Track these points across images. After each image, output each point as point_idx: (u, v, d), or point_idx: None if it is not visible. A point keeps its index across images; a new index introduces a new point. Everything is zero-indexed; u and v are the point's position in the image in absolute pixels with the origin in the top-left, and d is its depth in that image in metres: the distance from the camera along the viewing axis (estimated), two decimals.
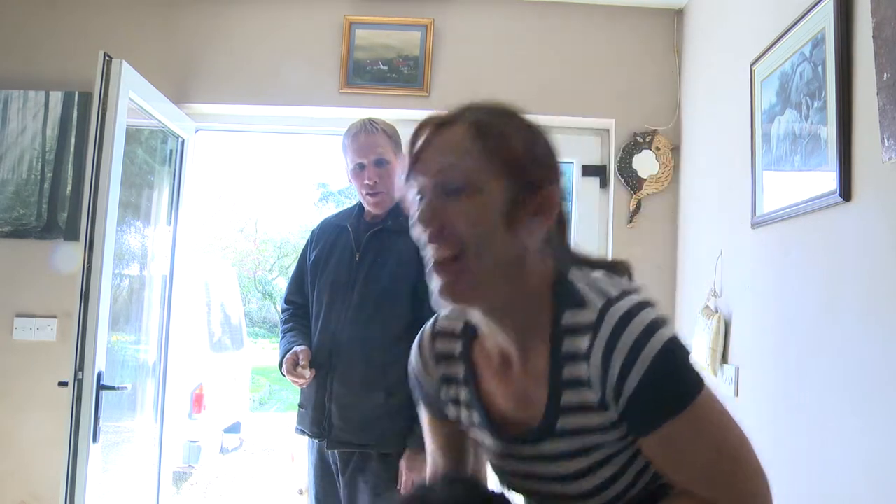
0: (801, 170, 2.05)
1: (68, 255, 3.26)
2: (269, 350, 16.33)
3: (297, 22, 3.45)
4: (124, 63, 2.76)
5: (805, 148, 2.01)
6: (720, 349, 2.52)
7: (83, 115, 3.42)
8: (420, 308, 2.45)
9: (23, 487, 3.36)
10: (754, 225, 2.33)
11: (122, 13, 3.49)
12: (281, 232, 19.43)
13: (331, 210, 17.23)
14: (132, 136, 2.92)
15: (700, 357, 2.60)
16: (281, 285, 19.43)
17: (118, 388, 2.74)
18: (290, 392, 12.27)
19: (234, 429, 7.26)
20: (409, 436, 2.41)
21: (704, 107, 3.02)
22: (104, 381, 2.66)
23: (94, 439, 2.60)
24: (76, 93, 3.44)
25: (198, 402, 5.94)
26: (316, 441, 2.55)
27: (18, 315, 3.38)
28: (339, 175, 18.66)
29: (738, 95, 2.50)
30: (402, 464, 2.42)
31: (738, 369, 2.42)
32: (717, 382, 2.56)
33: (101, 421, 2.64)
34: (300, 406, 2.60)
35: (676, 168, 3.28)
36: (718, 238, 2.70)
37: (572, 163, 3.49)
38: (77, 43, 3.46)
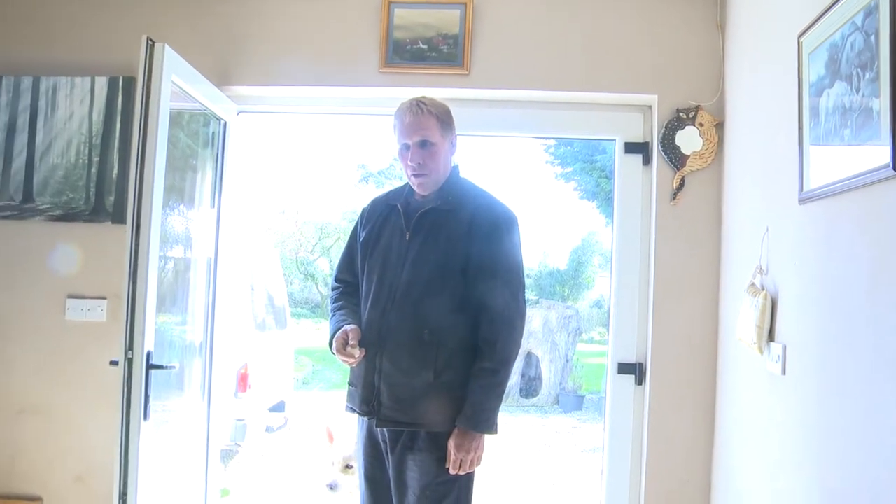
0: (850, 144, 2.01)
1: (116, 238, 3.32)
2: (311, 330, 16.51)
3: (336, 3, 3.45)
4: (167, 47, 2.79)
5: (856, 121, 1.96)
6: (766, 327, 2.48)
7: (128, 100, 3.47)
8: (469, 287, 2.46)
9: (78, 463, 3.45)
10: (802, 200, 2.29)
11: None
12: (322, 213, 19.54)
13: (371, 191, 17.35)
14: (174, 120, 2.95)
15: (746, 335, 2.57)
16: (322, 266, 19.59)
17: (167, 368, 2.79)
18: (334, 371, 12.42)
19: (278, 408, 7.35)
20: (458, 415, 2.42)
21: (749, 81, 2.96)
22: (153, 361, 2.72)
23: (145, 417, 2.66)
24: (120, 77, 3.49)
25: (243, 381, 6.02)
26: (365, 419, 2.57)
27: (70, 296, 3.46)
28: (378, 155, 18.72)
29: (785, 69, 2.45)
30: (451, 442, 2.43)
31: (785, 347, 2.39)
32: (764, 360, 2.53)
33: (150, 399, 2.70)
34: (350, 384, 2.63)
35: (720, 144, 3.23)
36: (764, 214, 2.65)
37: (614, 140, 3.46)
38: (120, 28, 3.50)
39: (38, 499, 3.48)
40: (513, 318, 2.50)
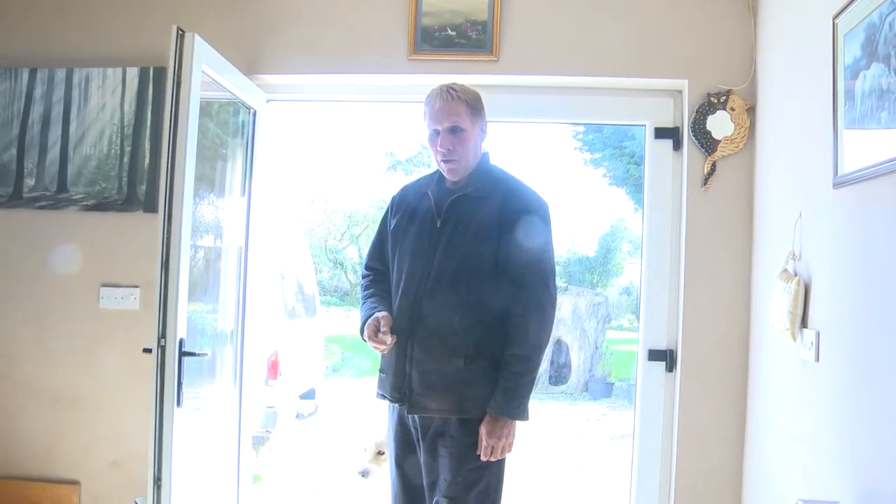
0: (888, 127, 1.97)
1: (148, 227, 3.35)
2: (341, 318, 16.59)
3: None
4: (196, 36, 2.80)
5: (893, 104, 1.93)
6: (799, 313, 2.45)
7: (158, 90, 3.50)
8: (500, 274, 2.46)
9: (114, 449, 3.51)
10: (836, 185, 2.26)
11: None
12: (351, 201, 19.61)
13: (399, 179, 17.37)
14: (204, 109, 2.96)
15: (778, 322, 2.54)
16: (351, 254, 19.67)
17: (199, 355, 2.82)
18: (363, 359, 12.48)
19: (308, 395, 7.40)
20: (489, 401, 2.43)
21: (782, 64, 2.92)
22: (185, 348, 2.75)
23: (178, 403, 2.69)
24: (151, 68, 3.52)
25: (273, 368, 6.07)
26: (396, 406, 2.59)
27: (104, 285, 3.51)
28: (407, 143, 18.73)
29: (819, 51, 2.41)
30: (482, 429, 2.44)
31: (818, 334, 2.36)
32: (797, 347, 2.50)
33: (183, 386, 2.73)
34: (381, 371, 2.64)
35: (752, 129, 3.19)
36: (797, 199, 2.62)
37: (644, 125, 3.43)
38: (151, 18, 3.53)
39: (76, 483, 3.54)
40: (544, 305, 2.49)
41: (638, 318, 3.43)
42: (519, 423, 2.49)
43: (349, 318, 16.51)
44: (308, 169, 20.21)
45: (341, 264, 19.67)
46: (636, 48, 3.31)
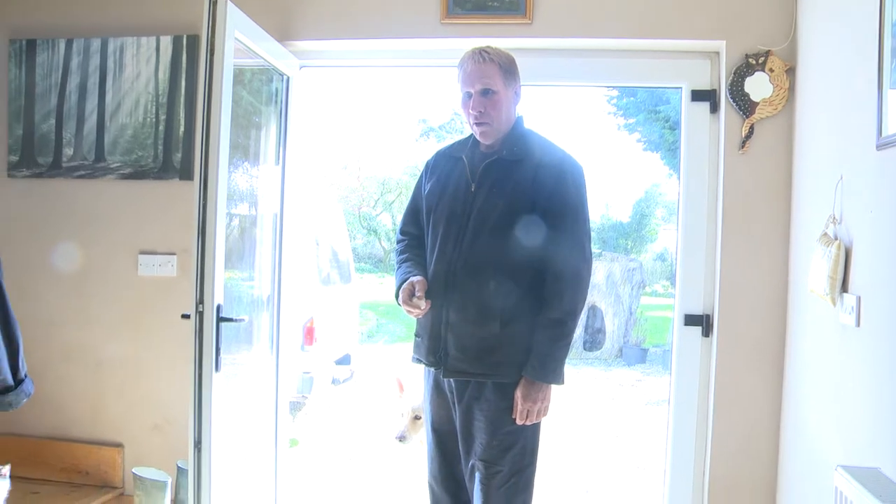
0: None
1: (184, 194, 3.39)
2: (375, 285, 16.68)
3: None
4: (229, 3, 2.79)
5: None
6: (840, 278, 2.42)
7: (192, 58, 3.51)
8: (535, 237, 2.45)
9: (155, 412, 3.59)
10: (880, 146, 2.21)
11: None
12: (384, 168, 19.62)
13: (431, 145, 17.34)
14: (236, 78, 2.96)
15: (818, 286, 2.51)
16: (385, 221, 19.72)
17: (236, 321, 2.85)
18: (398, 325, 12.56)
19: (344, 361, 7.47)
20: (525, 365, 2.43)
21: (824, 22, 2.85)
22: (223, 314, 2.78)
23: (217, 368, 2.73)
24: (184, 36, 3.53)
25: (309, 334, 6.13)
26: (432, 370, 2.60)
27: (142, 252, 3.56)
28: (439, 110, 18.66)
29: (864, 8, 2.35)
30: (518, 393, 2.44)
31: (859, 299, 2.32)
32: (837, 312, 2.47)
33: (221, 352, 2.76)
34: (416, 336, 2.64)
35: (792, 90, 3.12)
36: (839, 162, 2.57)
37: (680, 88, 3.37)
38: None
39: (120, 445, 3.63)
40: (579, 269, 2.48)
41: (673, 283, 3.40)
42: (554, 388, 2.49)
43: (383, 285, 16.61)
44: (341, 136, 20.24)
45: (375, 231, 19.75)
46: (672, 9, 3.24)
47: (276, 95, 3.54)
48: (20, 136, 3.69)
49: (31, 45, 3.67)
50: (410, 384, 3.38)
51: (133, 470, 3.44)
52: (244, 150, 3.38)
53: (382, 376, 8.01)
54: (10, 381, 2.64)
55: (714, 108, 3.27)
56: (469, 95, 2.51)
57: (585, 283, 2.52)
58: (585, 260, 2.51)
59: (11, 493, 3.08)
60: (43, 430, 3.67)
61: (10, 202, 3.65)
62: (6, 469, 2.99)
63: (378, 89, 20.97)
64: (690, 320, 3.29)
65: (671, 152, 13.30)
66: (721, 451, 3.20)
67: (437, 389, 2.62)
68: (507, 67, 2.52)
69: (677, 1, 3.24)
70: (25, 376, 2.72)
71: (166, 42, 3.56)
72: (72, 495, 3.53)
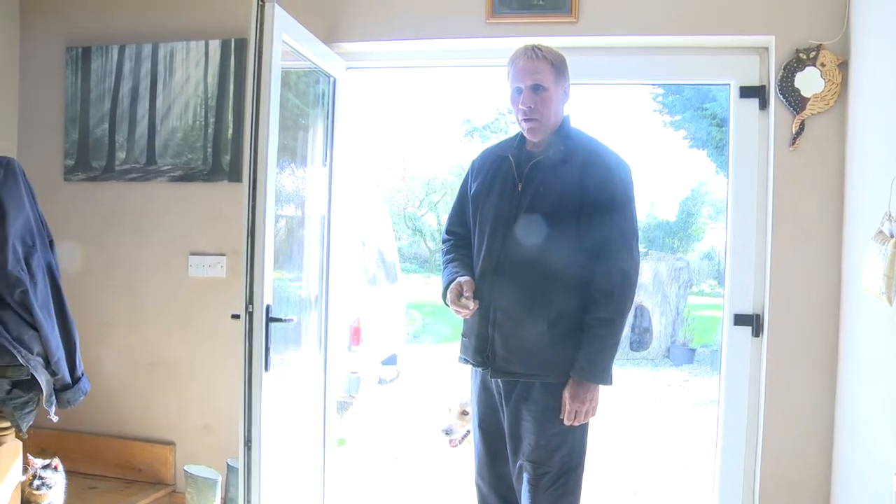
0: None
1: (232, 196, 3.43)
2: (420, 285, 16.72)
3: None
4: (276, 6, 2.82)
5: None
6: None
7: (240, 61, 3.56)
8: (583, 237, 2.44)
9: (206, 412, 3.64)
10: None
11: None
12: (428, 168, 19.65)
13: (475, 145, 17.32)
14: (283, 80, 2.99)
15: (873, 285, 2.46)
16: (430, 221, 19.74)
17: (285, 321, 2.87)
18: (443, 325, 12.58)
19: (390, 361, 7.50)
20: (573, 365, 2.42)
21: (879, 15, 2.79)
22: (272, 314, 2.81)
23: (266, 368, 2.76)
24: (232, 40, 3.58)
25: (356, 335, 6.17)
26: (479, 370, 2.60)
27: (192, 253, 3.62)
28: (483, 110, 18.64)
29: None
30: (566, 393, 2.43)
31: None
32: (893, 311, 2.42)
33: (270, 351, 2.79)
34: (463, 336, 2.65)
35: (844, 85, 3.06)
36: (894, 158, 2.52)
37: (728, 85, 3.33)
38: None
39: (171, 444, 3.69)
40: (627, 268, 2.47)
41: (720, 282, 3.37)
42: (601, 388, 2.48)
43: (429, 285, 16.64)
44: (386, 136, 20.31)
45: (420, 231, 19.78)
46: (720, 4, 3.20)
47: (322, 97, 3.57)
48: (76, 141, 3.78)
49: (87, 52, 3.76)
50: (457, 382, 3.39)
51: (184, 468, 3.50)
52: (291, 152, 3.41)
53: (428, 377, 8.03)
54: (69, 379, 2.72)
55: (763, 105, 3.23)
56: (519, 91, 2.51)
57: (634, 282, 2.50)
58: (633, 259, 2.49)
59: (70, 487, 3.16)
60: (99, 427, 3.75)
61: (66, 205, 3.74)
62: (57, 462, 3.06)
63: (422, 89, 21.02)
64: (740, 320, 3.24)
65: (718, 150, 13.12)
66: (772, 452, 3.15)
67: (485, 389, 2.62)
68: (557, 65, 2.52)
69: None
70: (82, 375, 2.80)
71: (215, 46, 3.61)
72: (126, 491, 3.60)
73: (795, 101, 3.10)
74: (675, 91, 13.44)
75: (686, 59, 3.36)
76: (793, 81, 3.09)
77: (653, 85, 12.48)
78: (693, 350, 11.06)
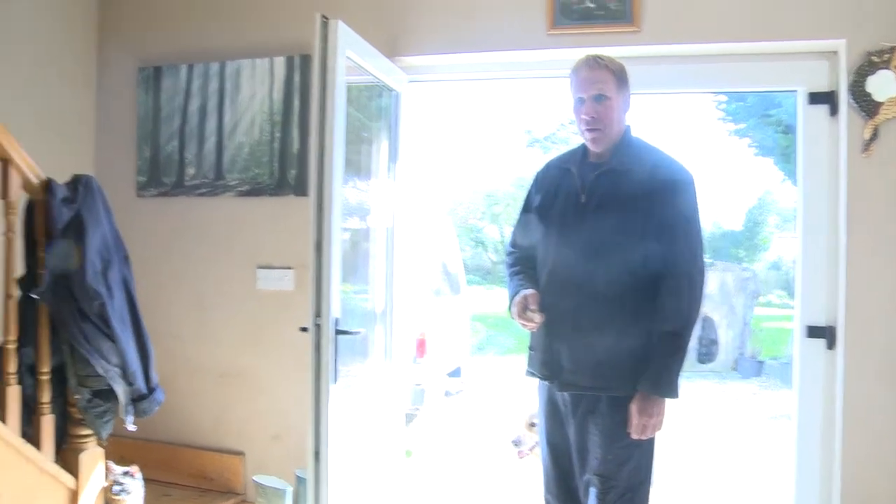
0: None
1: (299, 210, 3.49)
2: (483, 297, 16.69)
3: None
4: (340, 23, 2.87)
5: None
6: None
7: (304, 77, 3.63)
8: (648, 248, 2.41)
9: (275, 423, 3.70)
10: None
11: None
12: (490, 180, 19.64)
13: (537, 156, 17.27)
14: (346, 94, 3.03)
15: None
16: (492, 233, 19.72)
17: (353, 333, 2.90)
18: (508, 337, 12.53)
19: (455, 373, 7.51)
20: (639, 378, 2.40)
21: None
22: (339, 327, 2.84)
23: (334, 380, 2.79)
24: (296, 56, 3.65)
25: (421, 347, 6.19)
26: (546, 383, 2.59)
27: (259, 266, 3.69)
28: (544, 120, 18.58)
29: None
30: (633, 407, 2.40)
31: None
32: None
33: (338, 364, 2.82)
34: (530, 349, 2.64)
35: None
36: None
37: (796, 91, 3.26)
38: (294, 8, 3.67)
39: (241, 454, 3.76)
40: (694, 280, 2.44)
41: (789, 293, 3.30)
42: (669, 401, 2.44)
43: (491, 297, 16.61)
44: (447, 148, 20.37)
45: (482, 243, 19.79)
46: (786, 9, 3.14)
47: (383, 111, 3.60)
48: (148, 158, 3.90)
49: (158, 71, 3.87)
50: (523, 394, 3.38)
51: (254, 478, 3.56)
52: (353, 165, 3.45)
53: (493, 389, 8.01)
54: (144, 389, 2.79)
55: (833, 111, 3.15)
56: (582, 101, 2.50)
57: (700, 294, 2.46)
58: (699, 270, 2.46)
59: (146, 494, 3.23)
60: (172, 436, 3.83)
61: (138, 221, 3.84)
62: (135, 469, 3.14)
63: (483, 101, 21.00)
64: (813, 332, 3.16)
65: (785, 157, 12.84)
66: (851, 467, 3.06)
67: (552, 403, 2.60)
68: (619, 75, 2.50)
69: (791, 0, 3.15)
70: (157, 385, 2.87)
71: (280, 62, 3.68)
72: (199, 500, 3.68)
73: (867, 106, 3.02)
74: (739, 98, 13.21)
75: (751, 66, 3.30)
76: (864, 85, 3.02)
77: (716, 93, 12.31)
78: (762, 362, 10.81)
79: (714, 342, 10.95)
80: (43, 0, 3.81)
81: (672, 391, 2.41)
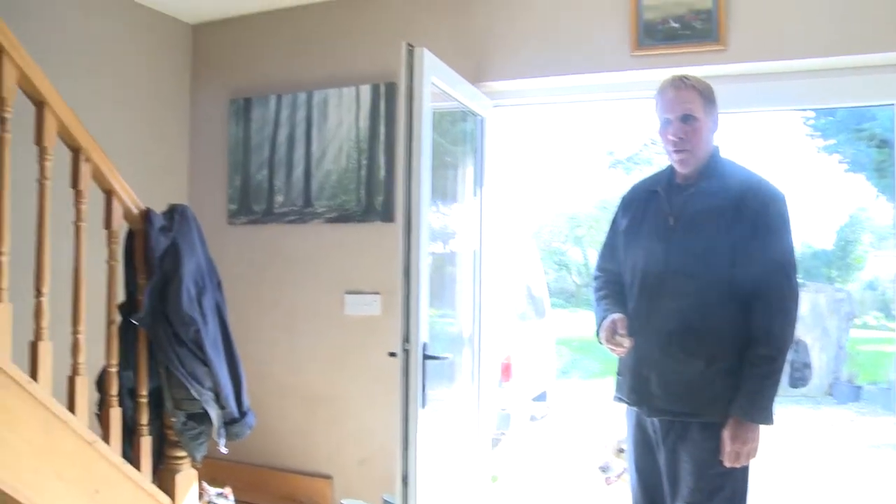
0: None
1: (386, 236, 3.53)
2: (567, 320, 16.56)
3: None
4: (425, 51, 2.90)
5: None
6: None
7: (390, 104, 3.69)
8: (739, 271, 2.36)
9: (361, 446, 3.74)
10: None
11: (417, 3, 3.71)
12: (573, 202, 19.54)
13: (619, 177, 17.10)
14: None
15: None
16: (575, 255, 19.58)
17: (440, 358, 2.92)
18: (593, 361, 12.39)
19: (541, 397, 7.44)
20: (732, 404, 2.34)
21: None
22: (428, 352, 2.85)
23: (423, 405, 2.80)
24: (382, 84, 3.71)
25: (506, 371, 6.16)
26: (635, 409, 2.55)
27: (347, 292, 3.74)
28: (627, 141, 18.40)
29: None
30: (725, 433, 2.33)
31: None
32: None
33: (426, 388, 2.83)
34: (618, 374, 2.60)
35: None
36: None
37: (892, 105, 3.15)
38: (378, 38, 3.75)
39: (329, 477, 3.80)
40: (787, 303, 2.37)
41: (888, 315, 3.16)
42: (762, 427, 2.37)
43: (576, 320, 16.45)
44: (530, 170, 20.37)
45: (566, 266, 19.65)
46: (877, 20, 3.04)
47: (466, 136, 3.63)
48: (238, 187, 4.02)
49: (248, 103, 4.00)
50: (611, 419, 3.33)
51: (341, 501, 3.59)
52: (436, 190, 3.47)
53: (579, 413, 7.92)
54: (236, 413, 2.86)
55: None
56: (668, 122, 2.46)
57: (794, 317, 2.39)
58: (793, 292, 2.39)
59: None
60: (262, 459, 3.91)
61: (230, 248, 3.96)
62: (228, 491, 3.20)
63: (565, 122, 20.97)
64: None
65: (879, 172, 12.40)
66: None
67: (641, 429, 2.55)
68: (706, 95, 2.46)
69: (882, 11, 3.04)
70: (248, 409, 2.94)
71: (365, 91, 3.75)
72: None
73: None
74: (828, 113, 12.84)
75: (842, 81, 3.20)
76: None
77: (808, 109, 12.00)
78: (859, 387, 10.40)
79: (807, 366, 10.61)
80: (140, 38, 3.99)
81: (766, 417, 2.34)
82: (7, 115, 2.26)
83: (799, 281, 2.46)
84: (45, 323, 2.37)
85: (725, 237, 2.38)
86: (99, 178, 2.62)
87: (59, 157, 2.44)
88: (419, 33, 3.47)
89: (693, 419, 2.39)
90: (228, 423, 2.86)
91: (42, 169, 2.38)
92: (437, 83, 3.04)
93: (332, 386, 3.80)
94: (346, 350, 3.76)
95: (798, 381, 10.53)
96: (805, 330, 10.44)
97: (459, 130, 3.65)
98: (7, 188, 2.24)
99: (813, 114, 12.99)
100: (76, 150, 2.53)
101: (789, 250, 2.42)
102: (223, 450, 2.86)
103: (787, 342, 2.37)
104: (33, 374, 2.30)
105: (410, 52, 2.90)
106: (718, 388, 2.36)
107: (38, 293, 2.38)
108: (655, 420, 2.47)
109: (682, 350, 2.39)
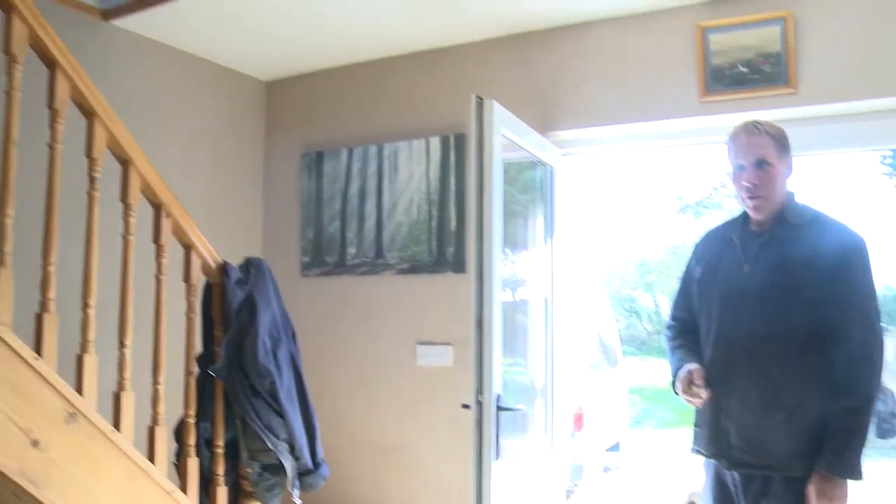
0: None
1: (457, 287, 3.55)
2: (639, 368, 16.28)
3: (648, 38, 3.44)
4: (494, 102, 2.93)
5: None
6: None
7: (459, 155, 3.73)
8: (819, 319, 2.30)
9: (435, 498, 3.73)
10: None
11: (483, 55, 3.76)
12: (642, 249, 19.35)
13: (689, 223, 16.88)
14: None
15: None
16: (645, 302, 19.32)
17: (514, 409, 2.90)
18: (666, 410, 12.14)
19: (614, 448, 7.31)
20: (817, 458, 2.26)
21: None
22: (501, 403, 2.83)
23: (496, 456, 2.77)
24: (451, 135, 3.77)
25: (578, 421, 6.08)
26: (713, 461, 2.48)
27: (420, 343, 3.76)
28: (696, 185, 18.20)
29: None
30: (811, 489, 2.25)
31: None
32: None
33: (500, 440, 2.81)
34: (695, 425, 2.54)
35: None
36: None
37: None
38: (447, 90, 3.82)
39: None
40: (872, 352, 2.29)
41: None
42: (850, 483, 2.28)
43: (648, 368, 16.16)
44: (599, 216, 20.28)
45: (636, 313, 19.40)
46: None
47: (534, 184, 3.64)
48: (311, 239, 4.10)
49: (320, 156, 4.10)
50: (683, 472, 3.25)
51: None
52: (509, 238, 3.49)
53: (652, 464, 7.74)
54: (310, 464, 2.88)
55: None
56: (741, 168, 2.44)
57: (879, 366, 2.31)
58: (877, 339, 2.31)
59: None
60: None
61: (303, 299, 4.03)
62: None
63: (633, 168, 20.90)
64: None
65: None
66: None
67: (719, 482, 2.48)
68: (780, 140, 2.43)
69: None
70: (322, 461, 2.95)
71: (435, 143, 3.81)
72: None
73: None
74: None
75: None
76: None
77: (885, 149, 11.74)
78: None
79: (894, 415, 10.21)
80: (218, 95, 4.14)
81: (854, 472, 2.25)
82: (97, 175, 2.36)
83: (882, 326, 2.39)
84: (127, 374, 2.43)
85: (803, 284, 2.32)
86: (179, 232, 2.71)
87: (140, 213, 2.53)
88: (487, 85, 3.53)
89: (775, 473, 2.32)
90: (302, 474, 2.88)
91: (126, 225, 2.47)
92: (507, 134, 3.07)
93: (405, 437, 3.81)
94: (418, 401, 3.77)
95: (887, 432, 10.13)
96: (891, 377, 10.06)
97: (528, 178, 3.67)
98: (96, 243, 2.33)
99: (889, 152, 12.69)
100: (158, 206, 2.62)
101: (870, 296, 2.35)
102: (297, 501, 2.87)
103: (873, 392, 2.29)
104: (116, 424, 2.36)
105: (480, 104, 2.93)
106: (801, 441, 2.29)
107: (122, 345, 2.45)
108: (735, 473, 2.40)
109: (761, 401, 2.33)
